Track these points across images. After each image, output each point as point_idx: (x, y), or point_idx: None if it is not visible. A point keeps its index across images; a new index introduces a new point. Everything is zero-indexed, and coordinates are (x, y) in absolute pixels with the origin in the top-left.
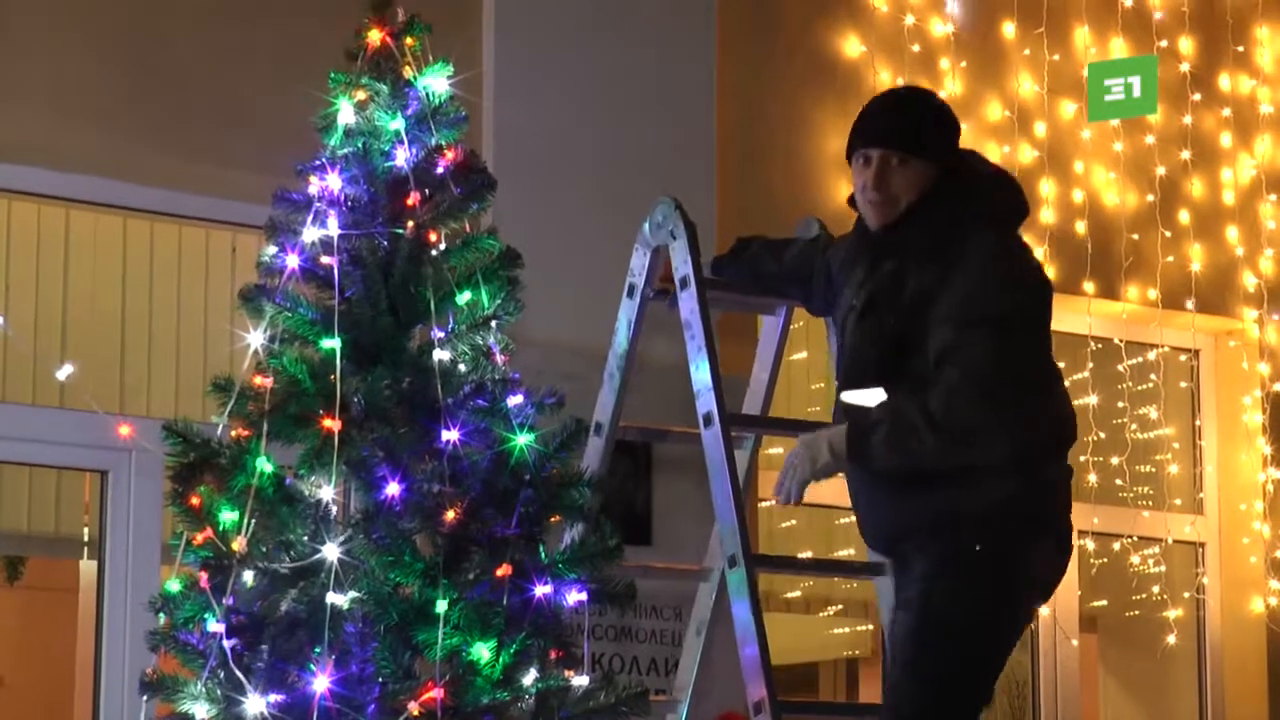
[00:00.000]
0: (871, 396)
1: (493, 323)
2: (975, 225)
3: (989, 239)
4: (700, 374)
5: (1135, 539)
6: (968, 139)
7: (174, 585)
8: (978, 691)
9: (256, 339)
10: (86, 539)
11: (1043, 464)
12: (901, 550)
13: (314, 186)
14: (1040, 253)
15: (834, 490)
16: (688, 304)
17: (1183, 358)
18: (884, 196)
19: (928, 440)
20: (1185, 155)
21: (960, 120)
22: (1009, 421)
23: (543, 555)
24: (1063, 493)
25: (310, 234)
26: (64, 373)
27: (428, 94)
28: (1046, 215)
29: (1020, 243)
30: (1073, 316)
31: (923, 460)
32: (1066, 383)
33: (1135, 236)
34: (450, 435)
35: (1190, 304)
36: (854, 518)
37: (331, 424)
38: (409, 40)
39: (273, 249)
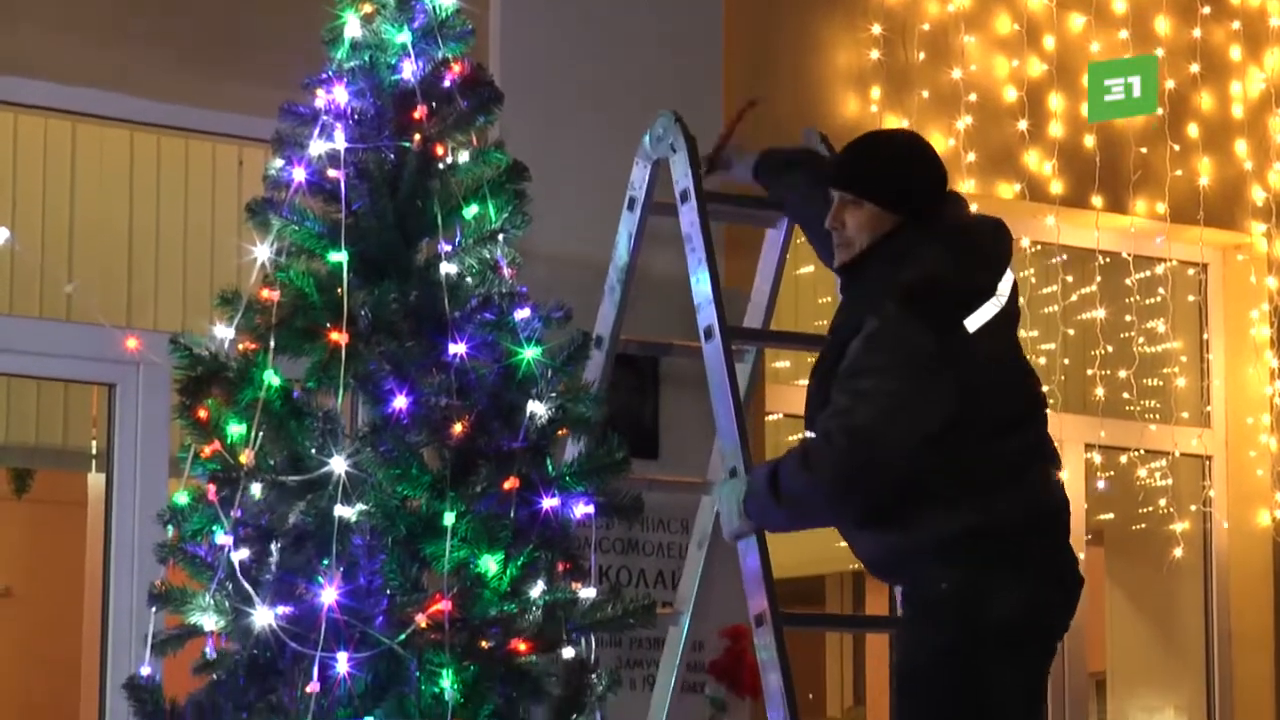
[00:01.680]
0: None
1: (500, 236)
2: (893, 293)
3: (892, 317)
4: (701, 287)
5: (1142, 452)
6: (976, 53)
7: (182, 498)
8: None
9: (263, 252)
10: (94, 452)
11: (991, 503)
12: (889, 581)
13: (321, 100)
14: (1049, 167)
15: None
16: (688, 216)
17: (1190, 272)
18: (840, 237)
19: (774, 501)
20: (1194, 69)
21: (973, 69)
22: (843, 489)
23: (550, 468)
24: (1024, 527)
25: (317, 147)
26: (71, 286)
27: (434, 7)
28: (1055, 129)
29: (926, 318)
30: (1081, 231)
31: (792, 521)
32: (1073, 297)
33: (1144, 150)
34: (457, 349)
35: (1199, 218)
36: None
37: (339, 337)
38: None
39: (279, 162)
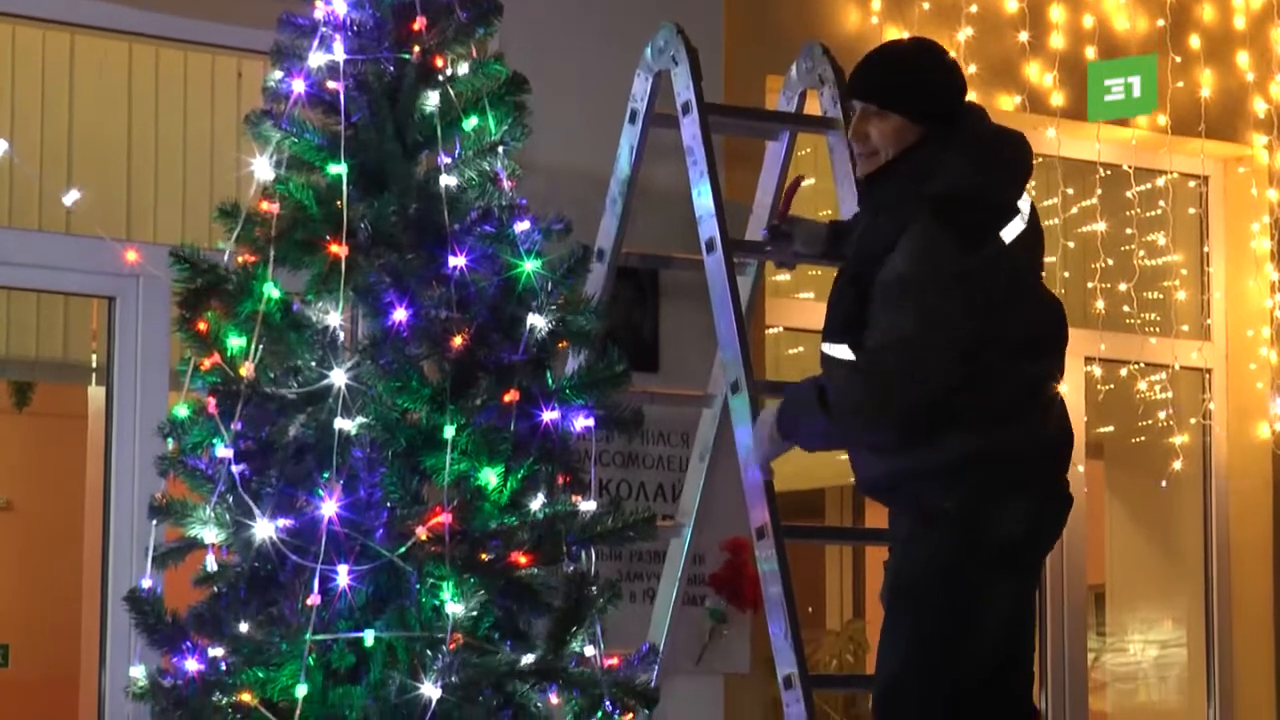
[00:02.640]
0: (844, 351)
1: (499, 148)
2: (924, 207)
3: (923, 231)
4: (702, 199)
5: (1142, 365)
6: None
7: (182, 410)
8: (963, 662)
9: (262, 165)
10: (95, 365)
11: (1004, 428)
12: (884, 501)
13: (320, 11)
14: (1049, 78)
15: None
16: (689, 129)
17: (1191, 184)
18: (864, 148)
19: (822, 419)
20: None
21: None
22: (893, 407)
23: (550, 381)
24: (1035, 451)
25: (316, 59)
26: (70, 198)
27: None
28: (1056, 41)
29: (959, 233)
30: (1082, 143)
31: (829, 438)
32: (1074, 210)
33: None
34: (457, 261)
35: (1200, 130)
36: None
37: (338, 250)
38: None
39: (279, 74)
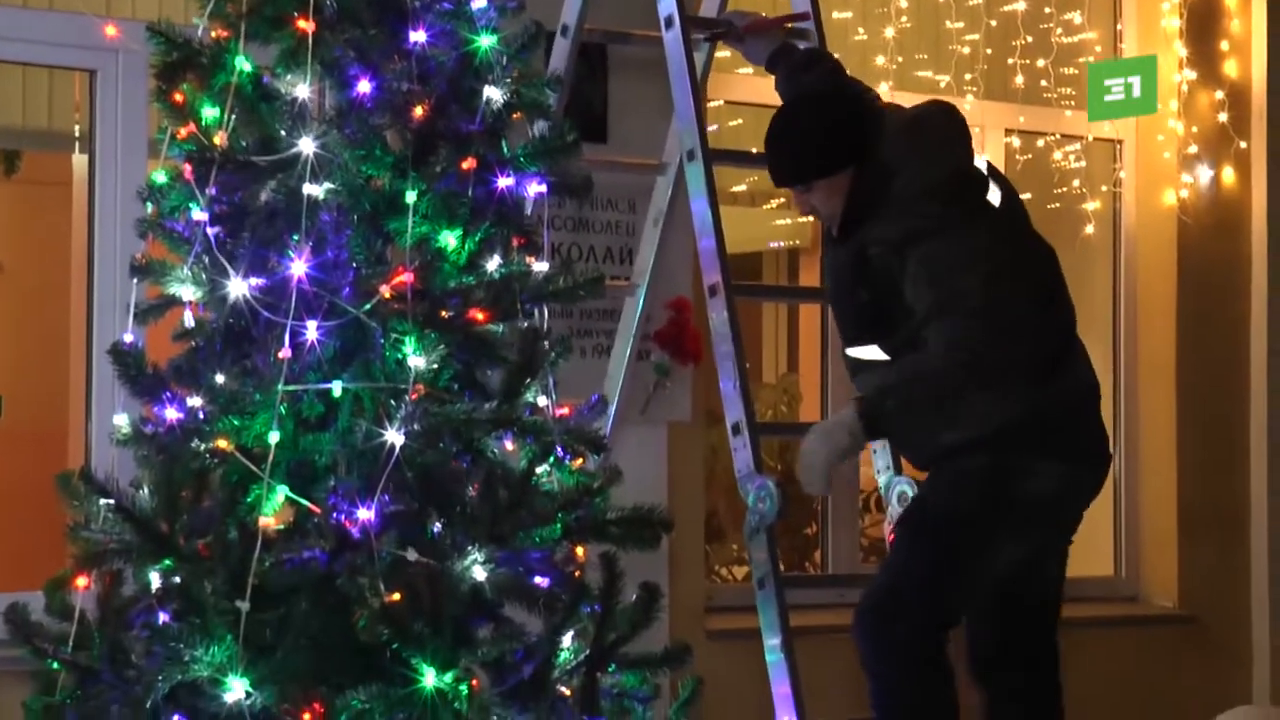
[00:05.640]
0: (873, 351)
1: None
2: (902, 198)
3: (914, 208)
4: None
5: (1058, 136)
6: None
7: (160, 177)
8: (948, 596)
9: None
10: (78, 134)
11: (1037, 384)
12: (930, 467)
13: None
14: None
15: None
16: None
17: None
18: (818, 216)
19: (936, 375)
20: None
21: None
22: (996, 331)
23: (505, 149)
24: (1067, 410)
25: None
26: None
27: None
28: None
29: (953, 202)
30: None
31: (936, 398)
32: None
33: None
34: (418, 36)
35: None
36: None
37: (305, 25)
38: None
39: None
